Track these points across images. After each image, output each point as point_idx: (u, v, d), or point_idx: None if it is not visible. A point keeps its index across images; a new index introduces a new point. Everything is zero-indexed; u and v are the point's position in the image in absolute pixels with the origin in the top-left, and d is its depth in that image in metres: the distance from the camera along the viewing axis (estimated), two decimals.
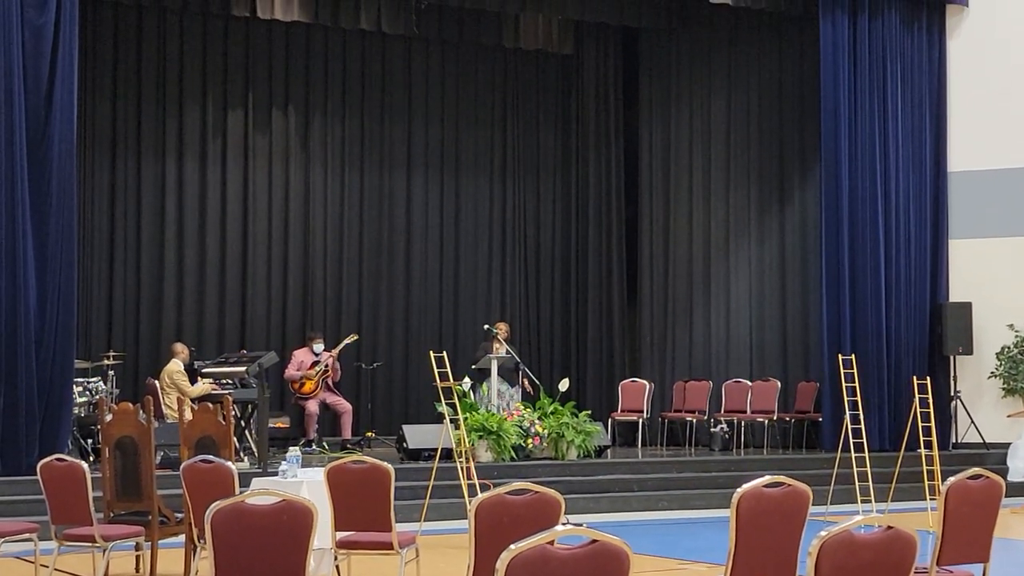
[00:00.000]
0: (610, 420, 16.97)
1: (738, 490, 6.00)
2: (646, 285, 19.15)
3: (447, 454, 12.24)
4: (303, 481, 9.05)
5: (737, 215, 18.34)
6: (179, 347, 15.20)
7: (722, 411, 17.10)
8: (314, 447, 15.51)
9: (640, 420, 17.12)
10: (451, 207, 19.23)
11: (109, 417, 9.80)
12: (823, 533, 4.23)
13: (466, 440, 12.26)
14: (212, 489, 7.69)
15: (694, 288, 18.62)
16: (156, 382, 14.82)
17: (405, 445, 14.58)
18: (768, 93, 18.20)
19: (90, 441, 13.86)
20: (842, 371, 14.00)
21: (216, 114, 17.79)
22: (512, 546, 3.85)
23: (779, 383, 16.99)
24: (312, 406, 15.78)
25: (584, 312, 19.59)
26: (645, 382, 17.57)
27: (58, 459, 8.70)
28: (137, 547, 9.20)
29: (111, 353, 15.32)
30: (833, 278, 16.08)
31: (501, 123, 19.61)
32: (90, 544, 8.54)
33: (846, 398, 13.79)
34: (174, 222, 17.53)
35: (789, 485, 6.10)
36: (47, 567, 8.70)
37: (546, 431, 14.61)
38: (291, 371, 16.00)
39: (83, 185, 16.37)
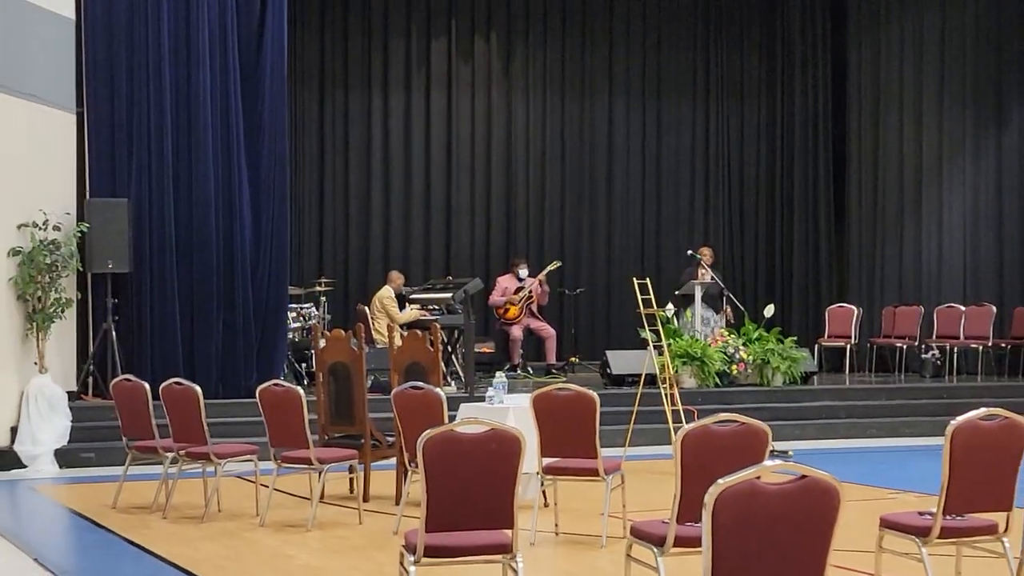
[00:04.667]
0: (816, 346, 16.73)
1: (952, 422, 5.85)
2: (854, 208, 18.73)
3: (651, 380, 12.25)
4: (509, 407, 9.24)
5: (951, 135, 17.70)
6: (395, 275, 15.54)
7: (934, 337, 16.66)
8: (519, 371, 15.69)
9: (848, 346, 16.81)
10: (653, 132, 19.09)
11: (323, 343, 10.08)
12: None
13: (670, 366, 12.22)
14: (422, 415, 7.90)
15: (905, 210, 18.11)
16: (366, 308, 15.14)
17: (609, 371, 14.65)
18: (986, 4, 17.43)
19: (303, 365, 14.28)
20: None
21: (420, 44, 17.99)
22: (720, 480, 3.85)
23: (994, 308, 16.43)
24: (516, 331, 15.96)
25: (790, 236, 19.33)
26: (853, 307, 17.23)
27: (276, 384, 8.98)
28: (351, 470, 9.49)
29: (323, 280, 15.72)
30: None
31: (704, 45, 19.32)
32: (307, 466, 8.82)
33: None
34: (380, 152, 17.83)
35: (1006, 418, 5.92)
36: (267, 487, 9.02)
37: (751, 357, 14.52)
38: (495, 297, 16.19)
39: (293, 117, 16.77)
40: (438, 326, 10.37)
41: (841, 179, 19.07)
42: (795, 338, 15.32)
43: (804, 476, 3.94)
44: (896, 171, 18.21)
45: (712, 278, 15.45)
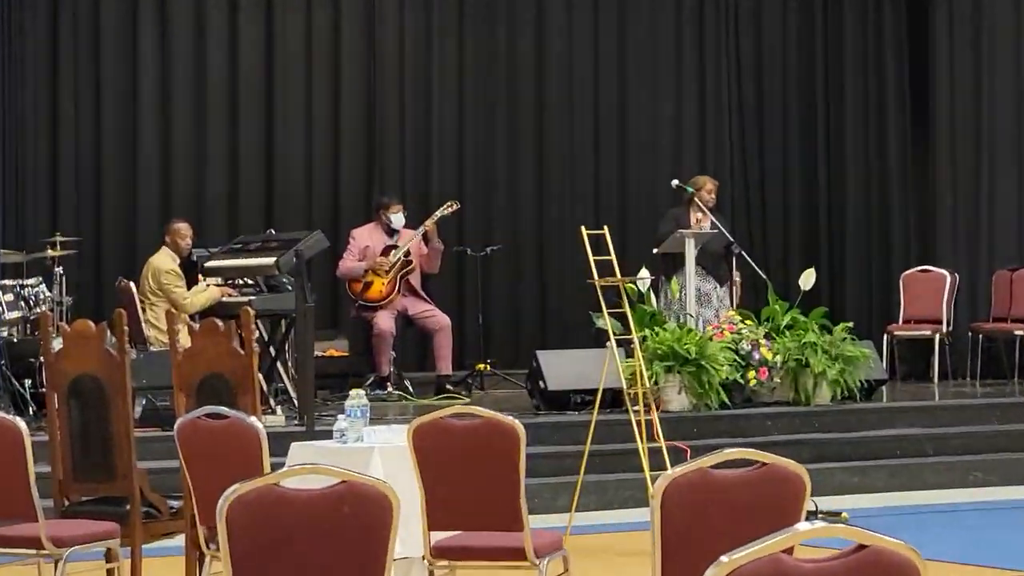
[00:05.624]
0: (886, 337, 16.99)
1: None
2: (944, 114, 19.03)
3: (612, 399, 12.37)
4: (373, 447, 9.26)
5: None
6: (181, 227, 15.34)
7: None
8: (390, 389, 15.71)
9: (937, 336, 17.03)
10: (612, 4, 19.33)
11: (58, 344, 10.00)
12: None
13: (645, 375, 12.28)
14: (226, 461, 7.92)
15: None
16: (132, 285, 14.98)
17: (542, 385, 14.62)
18: None
19: (28, 383, 14.12)
20: None
21: None
22: (726, 558, 3.86)
23: None
24: (385, 321, 15.86)
25: (840, 167, 19.66)
26: (945, 272, 17.48)
27: None
28: (109, 556, 9.39)
29: (57, 238, 15.58)
30: None
31: None
32: (34, 551, 8.71)
33: None
34: (152, 38, 17.83)
35: None
36: None
37: (779, 357, 14.64)
38: (349, 262, 16.12)
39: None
40: (252, 312, 10.32)
41: (923, 65, 19.38)
42: (851, 325, 15.40)
43: (863, 546, 3.96)
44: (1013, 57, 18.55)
45: (713, 226, 15.53)
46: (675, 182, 16.12)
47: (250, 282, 15.02)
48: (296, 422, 13.45)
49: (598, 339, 12.84)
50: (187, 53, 18.04)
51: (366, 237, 16.27)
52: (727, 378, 14.36)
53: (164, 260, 15.02)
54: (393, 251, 16.06)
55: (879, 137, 19.65)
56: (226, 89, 18.14)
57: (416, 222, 16.37)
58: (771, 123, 19.95)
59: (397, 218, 16.22)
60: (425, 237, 16.13)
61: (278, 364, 14.76)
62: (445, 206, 16.37)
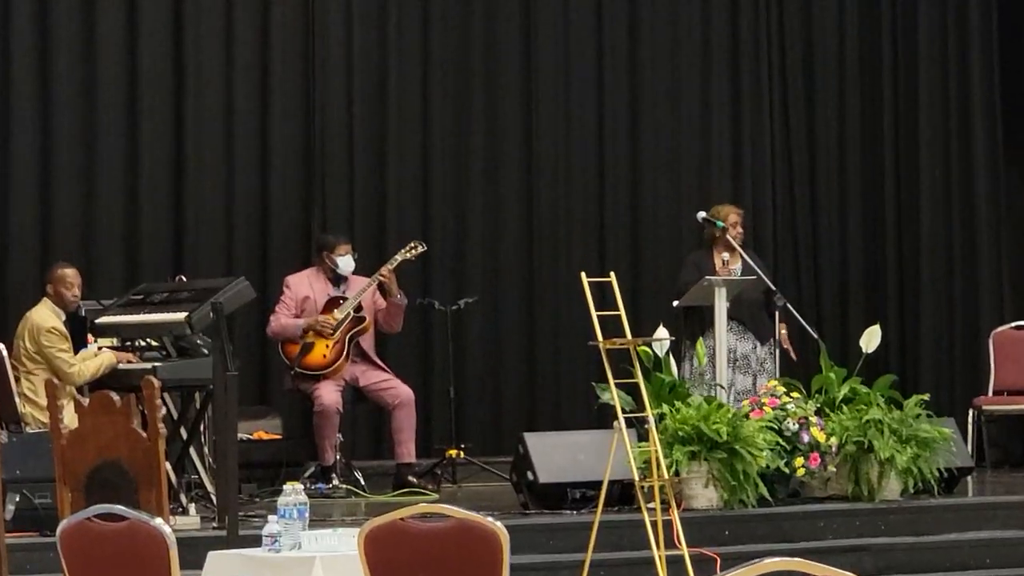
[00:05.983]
0: (972, 413, 17.39)
1: None
2: None
3: (620, 495, 12.92)
4: (315, 557, 9.30)
5: None
6: (67, 274, 15.17)
7: None
8: (336, 482, 15.72)
9: None
10: None
11: None
12: None
13: (663, 464, 12.34)
14: (124, 574, 7.89)
15: None
16: (3, 348, 14.78)
17: (530, 476, 14.47)
18: None
19: None
20: None
21: None
22: None
23: None
24: (329, 394, 15.75)
25: (912, 181, 19.84)
26: None
27: None
28: None
29: None
30: None
31: None
32: None
33: None
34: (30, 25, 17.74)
35: None
36: None
37: (834, 440, 14.46)
38: (284, 318, 16.00)
39: None
40: (157, 383, 10.08)
41: (1017, 70, 19.70)
42: (927, 398, 15.29)
43: None
44: None
45: (746, 268, 15.69)
46: (701, 214, 16.35)
47: (155, 344, 14.91)
48: (214, 524, 13.32)
49: (602, 417, 12.64)
50: (72, 46, 17.97)
51: (305, 286, 16.18)
52: (768, 467, 14.18)
53: (45, 316, 14.85)
54: (340, 305, 15.97)
55: (962, 150, 19.93)
56: (122, 94, 18.06)
57: (369, 268, 16.33)
58: (824, 132, 20.24)
59: (345, 262, 16.14)
60: (381, 287, 16.05)
61: (191, 450, 14.68)
62: (407, 248, 16.36)
